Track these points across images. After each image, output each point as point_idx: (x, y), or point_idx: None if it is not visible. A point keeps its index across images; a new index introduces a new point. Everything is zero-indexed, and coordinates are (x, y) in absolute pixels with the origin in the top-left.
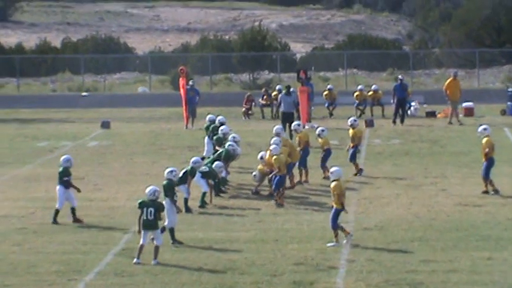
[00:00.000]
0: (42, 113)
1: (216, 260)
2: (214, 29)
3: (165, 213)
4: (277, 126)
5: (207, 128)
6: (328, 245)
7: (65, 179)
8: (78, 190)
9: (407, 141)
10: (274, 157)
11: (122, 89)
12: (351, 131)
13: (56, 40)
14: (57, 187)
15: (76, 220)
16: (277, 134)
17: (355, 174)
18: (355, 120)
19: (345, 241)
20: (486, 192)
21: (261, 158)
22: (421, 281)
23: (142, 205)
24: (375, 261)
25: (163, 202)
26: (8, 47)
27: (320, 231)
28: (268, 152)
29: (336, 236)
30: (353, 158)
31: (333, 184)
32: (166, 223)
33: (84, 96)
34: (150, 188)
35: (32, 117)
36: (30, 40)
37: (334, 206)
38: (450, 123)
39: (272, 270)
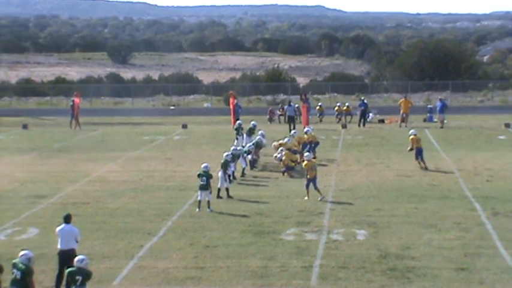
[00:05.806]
0: (146, 119)
1: (250, 208)
2: (250, 68)
3: (219, 179)
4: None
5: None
6: (305, 198)
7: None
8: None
9: (366, 137)
10: (284, 153)
11: (194, 105)
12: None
13: (155, 75)
14: (219, 173)
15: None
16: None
17: None
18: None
19: (319, 198)
20: (424, 168)
21: (280, 143)
22: (374, 221)
23: (199, 175)
24: (347, 209)
25: (219, 173)
26: (127, 79)
27: (313, 191)
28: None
29: (307, 193)
30: None
31: (304, 163)
32: (219, 185)
33: (172, 109)
34: (204, 165)
35: (140, 121)
36: (139, 75)
37: (308, 176)
38: (400, 126)
39: (284, 215)
